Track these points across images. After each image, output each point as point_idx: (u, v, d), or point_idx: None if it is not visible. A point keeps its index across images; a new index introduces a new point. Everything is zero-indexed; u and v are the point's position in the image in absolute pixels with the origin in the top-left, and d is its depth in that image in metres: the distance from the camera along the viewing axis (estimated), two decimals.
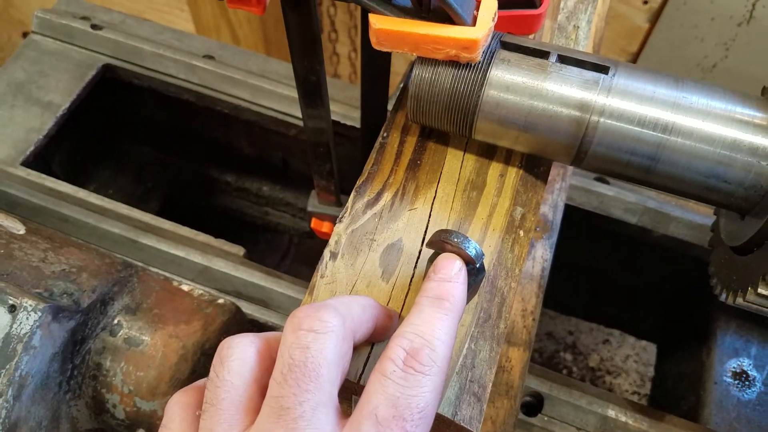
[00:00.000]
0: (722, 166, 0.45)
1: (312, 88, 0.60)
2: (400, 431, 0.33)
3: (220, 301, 0.67)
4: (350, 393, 0.44)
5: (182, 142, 1.25)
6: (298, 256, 1.55)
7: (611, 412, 0.65)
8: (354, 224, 0.52)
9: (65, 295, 0.62)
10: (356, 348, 0.43)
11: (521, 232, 0.52)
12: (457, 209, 0.52)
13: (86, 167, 1.25)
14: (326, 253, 0.50)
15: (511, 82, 0.48)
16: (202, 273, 0.75)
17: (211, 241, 0.77)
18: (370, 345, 0.44)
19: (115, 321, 0.65)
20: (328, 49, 1.83)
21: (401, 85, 0.62)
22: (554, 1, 0.65)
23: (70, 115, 0.97)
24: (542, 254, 0.70)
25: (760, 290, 0.42)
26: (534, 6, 0.61)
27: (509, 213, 0.52)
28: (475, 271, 0.42)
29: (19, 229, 0.68)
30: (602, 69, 0.48)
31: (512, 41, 0.50)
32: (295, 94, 0.62)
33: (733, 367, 0.78)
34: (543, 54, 0.49)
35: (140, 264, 0.74)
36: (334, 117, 0.95)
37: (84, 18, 1.05)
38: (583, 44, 0.65)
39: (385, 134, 0.58)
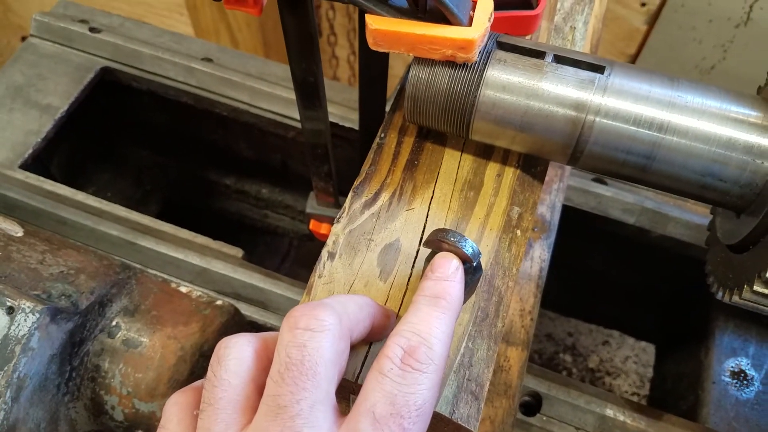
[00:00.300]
0: (717, 165, 0.45)
1: (309, 90, 0.60)
2: (398, 428, 0.34)
3: (219, 302, 0.67)
4: (348, 392, 0.44)
5: (181, 145, 1.25)
6: (298, 259, 1.55)
7: (609, 412, 0.65)
8: (352, 224, 0.52)
9: (63, 297, 0.62)
10: (354, 347, 0.44)
11: (518, 232, 0.52)
12: (455, 209, 0.53)
13: (85, 170, 1.25)
14: (324, 253, 0.50)
15: (508, 82, 0.49)
16: (200, 275, 0.75)
17: (210, 243, 0.77)
18: (368, 344, 0.44)
19: (114, 323, 0.65)
20: (327, 52, 1.84)
21: (399, 87, 0.62)
22: (551, 2, 0.66)
23: (68, 118, 0.97)
24: (540, 254, 0.70)
25: (756, 287, 0.43)
26: (531, 7, 0.61)
27: (506, 213, 0.53)
28: (472, 270, 0.42)
29: (17, 231, 0.68)
30: (598, 69, 0.48)
31: (508, 41, 0.50)
32: (293, 96, 0.62)
33: (732, 367, 0.78)
34: (539, 54, 0.49)
35: (138, 266, 0.74)
36: (332, 119, 0.96)
37: (82, 21, 1.06)
38: (580, 45, 0.66)
39: (382, 135, 0.58)
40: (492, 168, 0.55)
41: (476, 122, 0.51)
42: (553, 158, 0.52)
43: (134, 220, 0.79)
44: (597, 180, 0.88)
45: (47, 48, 1.03)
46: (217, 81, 0.98)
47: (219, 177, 1.33)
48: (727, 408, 0.74)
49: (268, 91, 0.96)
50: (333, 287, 0.48)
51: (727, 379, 0.77)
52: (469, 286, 0.44)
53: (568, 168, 0.79)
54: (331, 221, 0.84)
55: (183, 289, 0.68)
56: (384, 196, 0.54)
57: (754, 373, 0.77)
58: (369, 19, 0.47)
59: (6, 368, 0.57)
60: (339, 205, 0.83)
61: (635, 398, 1.41)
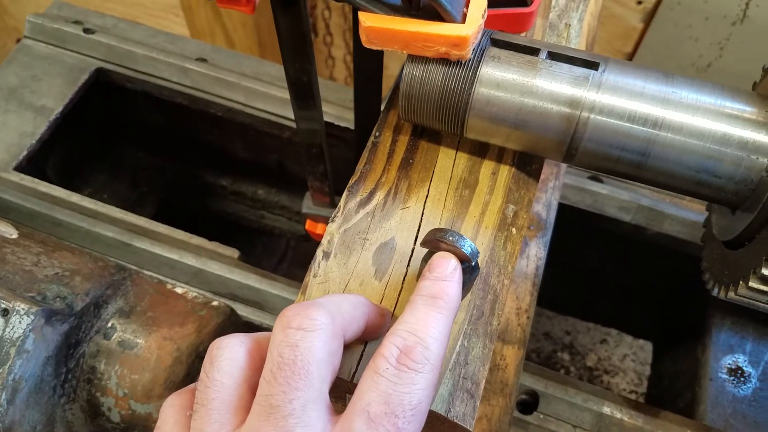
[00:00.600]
0: (712, 161, 0.45)
1: (304, 89, 0.60)
2: (392, 428, 0.33)
3: (215, 303, 0.67)
4: (344, 392, 0.44)
5: (177, 146, 1.25)
6: (295, 260, 1.55)
7: (606, 409, 0.65)
8: (346, 223, 0.52)
9: (58, 299, 0.62)
10: (349, 347, 0.44)
11: (513, 230, 0.52)
12: (450, 207, 0.52)
13: (81, 172, 1.25)
14: (319, 252, 0.50)
15: (502, 79, 0.48)
16: (196, 276, 0.75)
17: (205, 243, 0.76)
18: (364, 344, 0.44)
19: (109, 324, 0.65)
20: (323, 52, 1.83)
21: (394, 86, 0.62)
22: None
23: (63, 119, 0.97)
24: (536, 252, 0.70)
25: (751, 284, 0.43)
26: (525, 4, 0.61)
27: (501, 211, 0.52)
28: (469, 270, 0.42)
29: (11, 233, 0.68)
30: (592, 65, 0.48)
31: (502, 38, 0.50)
32: (288, 95, 0.62)
33: (729, 364, 0.78)
34: (533, 51, 0.49)
35: (134, 267, 0.74)
36: (327, 118, 0.95)
37: (76, 22, 1.05)
38: (575, 42, 0.66)
39: (377, 133, 0.58)
40: (487, 166, 0.55)
41: (470, 120, 0.51)
42: (548, 156, 0.52)
43: (130, 222, 0.79)
44: (593, 178, 0.88)
45: (41, 49, 1.03)
46: (212, 81, 0.97)
47: (215, 178, 1.33)
48: (724, 405, 0.74)
49: (263, 91, 0.96)
50: (328, 287, 0.48)
51: (724, 376, 0.77)
52: (467, 285, 0.44)
53: (563, 166, 0.79)
54: (327, 221, 0.84)
55: (179, 290, 0.68)
56: (379, 195, 0.53)
57: (751, 370, 0.77)
58: (362, 16, 0.47)
59: (1, 370, 0.56)
60: (335, 205, 0.83)
61: (633, 396, 1.41)
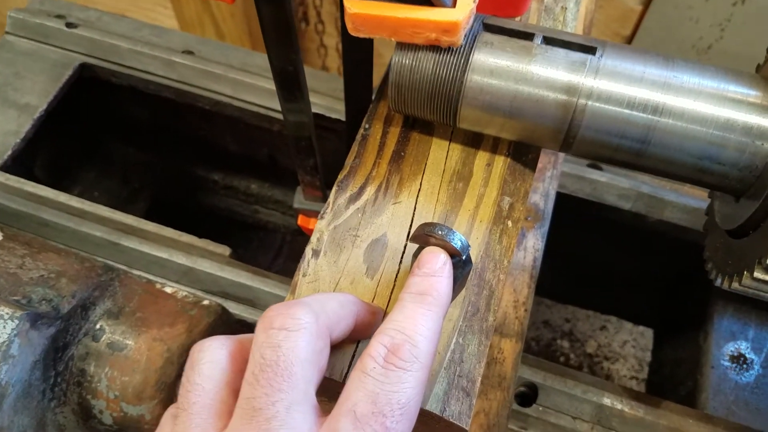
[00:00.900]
0: (715, 147, 0.44)
1: (290, 81, 0.58)
2: (380, 427, 0.32)
3: (205, 302, 0.65)
4: (336, 393, 0.43)
5: (166, 141, 1.23)
6: (291, 255, 1.53)
7: (607, 400, 0.64)
8: (336, 220, 0.50)
9: (44, 302, 0.61)
10: (341, 347, 0.42)
11: (509, 223, 0.50)
12: (443, 201, 0.51)
13: (70, 170, 1.23)
14: (308, 250, 0.49)
15: (495, 66, 0.47)
16: (186, 274, 0.73)
17: (195, 241, 0.75)
18: (356, 343, 0.43)
19: (98, 326, 0.63)
20: (315, 41, 1.80)
21: (384, 75, 0.60)
22: None
23: (47, 116, 0.95)
24: (534, 244, 0.68)
25: (756, 274, 0.41)
26: None
27: (497, 203, 0.51)
28: (461, 264, 0.41)
29: None
30: (589, 50, 0.46)
31: (495, 23, 0.48)
32: None
33: (731, 351, 0.77)
34: (527, 36, 0.47)
35: (122, 267, 0.72)
36: (318, 110, 0.93)
37: (59, 16, 1.02)
38: (572, 26, 0.64)
39: (366, 125, 0.56)
40: (481, 157, 0.53)
41: (463, 109, 0.49)
42: (545, 145, 0.50)
43: (118, 220, 0.77)
44: (592, 165, 0.86)
45: (23, 45, 1.00)
46: (199, 74, 0.95)
47: (206, 173, 1.31)
48: (726, 392, 0.73)
49: (251, 83, 0.94)
50: (318, 286, 0.47)
51: (727, 364, 0.75)
52: (459, 281, 0.42)
53: (561, 154, 0.77)
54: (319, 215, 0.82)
55: (168, 290, 0.66)
56: (369, 190, 0.52)
57: (754, 357, 0.76)
58: (347, 2, 0.45)
59: None
60: (327, 199, 0.81)
61: (634, 382, 1.40)
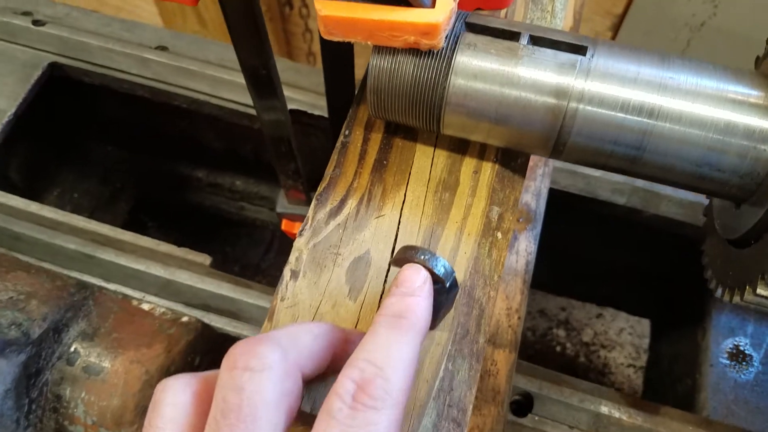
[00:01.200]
0: (715, 153, 0.41)
1: (262, 80, 0.54)
2: None
3: (184, 319, 0.62)
4: None
5: (146, 139, 1.19)
6: (282, 249, 1.50)
7: (604, 409, 0.62)
8: (316, 237, 0.47)
9: (13, 327, 0.58)
10: (323, 377, 0.40)
11: (499, 234, 0.47)
12: (429, 213, 0.48)
13: (47, 172, 1.19)
14: (286, 272, 0.46)
15: (479, 70, 0.43)
16: (165, 287, 0.70)
17: (174, 251, 0.71)
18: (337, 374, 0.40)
19: (72, 349, 0.60)
20: (300, 25, 1.75)
21: (364, 76, 0.56)
22: None
23: (17, 120, 0.90)
24: (526, 247, 0.65)
25: (759, 290, 0.38)
26: None
27: (485, 214, 0.48)
28: (445, 290, 0.38)
29: None
30: (579, 50, 0.43)
31: (479, 22, 0.44)
32: None
33: (730, 348, 0.75)
34: (513, 35, 0.43)
35: (97, 284, 0.69)
36: (300, 106, 0.90)
37: (25, 13, 0.98)
38: (561, 16, 0.60)
39: (346, 132, 0.52)
40: (468, 164, 0.50)
41: (447, 116, 0.46)
42: (534, 152, 0.47)
43: (92, 231, 0.74)
44: None
45: None
46: (174, 71, 0.91)
47: (190, 170, 1.27)
48: (725, 391, 0.72)
49: (229, 80, 0.90)
50: (297, 311, 0.44)
51: (726, 361, 0.74)
52: (445, 306, 0.40)
53: None
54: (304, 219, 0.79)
55: (145, 306, 0.64)
56: (351, 203, 0.49)
57: (753, 353, 0.74)
58: (318, 4, 0.41)
59: None
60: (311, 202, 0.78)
61: (632, 370, 1.39)
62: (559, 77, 0.42)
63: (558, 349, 1.48)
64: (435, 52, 0.44)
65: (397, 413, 0.32)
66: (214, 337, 0.67)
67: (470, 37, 0.44)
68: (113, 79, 0.93)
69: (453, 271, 0.37)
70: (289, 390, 0.33)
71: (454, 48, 0.44)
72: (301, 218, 0.78)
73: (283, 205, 0.77)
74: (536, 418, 0.63)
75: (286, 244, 1.52)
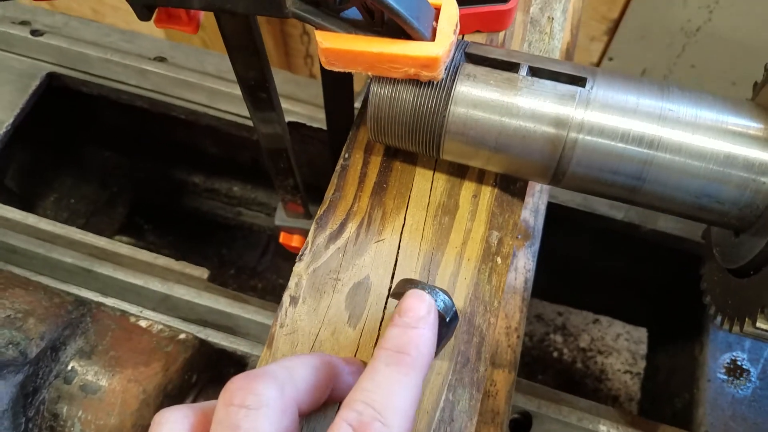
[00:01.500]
0: (715, 185, 0.41)
1: (260, 94, 0.54)
2: None
3: (182, 336, 0.62)
4: None
5: (144, 145, 1.18)
6: (278, 251, 1.50)
7: (603, 428, 0.62)
8: (316, 262, 0.47)
9: (11, 346, 0.57)
10: (323, 409, 0.39)
11: (498, 260, 0.48)
12: (429, 238, 0.48)
13: (45, 177, 1.18)
14: (285, 298, 0.46)
15: (479, 100, 0.43)
16: (163, 302, 0.70)
17: (172, 264, 0.71)
18: (338, 404, 0.40)
19: (69, 367, 0.60)
20: (300, 51, 1.75)
21: (363, 99, 0.56)
22: None
23: (15, 130, 0.90)
24: (525, 264, 0.65)
25: (759, 324, 0.39)
26: (503, 0, 0.55)
27: (485, 239, 0.48)
28: (446, 324, 0.38)
29: None
30: (579, 81, 0.43)
31: (478, 53, 0.44)
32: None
33: (727, 362, 0.75)
34: (512, 66, 0.43)
35: (95, 299, 0.69)
36: (299, 119, 0.89)
37: (23, 23, 0.97)
38: (559, 36, 0.60)
39: (346, 155, 0.52)
40: (467, 188, 0.50)
41: (447, 143, 0.46)
42: (533, 179, 0.47)
43: (90, 244, 0.74)
44: None
45: None
46: (172, 83, 0.90)
47: (187, 176, 1.27)
48: (723, 407, 0.72)
49: (227, 92, 0.90)
50: (296, 338, 0.44)
51: (723, 377, 0.74)
52: (446, 337, 0.40)
53: None
54: (302, 233, 0.79)
55: (143, 323, 0.63)
56: (351, 227, 0.49)
57: (750, 368, 0.74)
58: (319, 36, 0.41)
59: None
60: (310, 215, 0.77)
61: (629, 376, 1.40)
62: (558, 108, 0.42)
63: (555, 354, 1.48)
64: (435, 82, 0.43)
65: None
66: (211, 354, 0.67)
67: (470, 67, 0.44)
68: (112, 90, 0.92)
69: (453, 305, 0.38)
70: (286, 427, 0.32)
71: (454, 78, 0.43)
72: (299, 231, 0.78)
73: (281, 218, 0.77)
74: None
75: (282, 247, 1.52)
